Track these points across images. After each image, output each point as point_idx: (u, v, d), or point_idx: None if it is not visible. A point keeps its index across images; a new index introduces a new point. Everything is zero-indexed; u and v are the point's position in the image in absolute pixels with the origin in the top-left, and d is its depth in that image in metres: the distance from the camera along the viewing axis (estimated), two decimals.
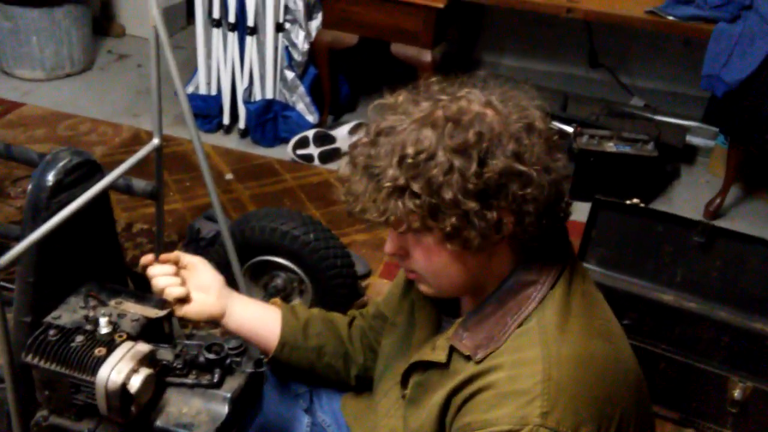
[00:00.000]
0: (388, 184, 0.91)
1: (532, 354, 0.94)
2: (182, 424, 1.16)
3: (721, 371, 1.90)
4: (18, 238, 1.37)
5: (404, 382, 1.14)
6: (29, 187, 1.36)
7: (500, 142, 0.91)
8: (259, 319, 1.29)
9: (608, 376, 0.97)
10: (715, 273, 1.95)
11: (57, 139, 3.05)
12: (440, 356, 1.04)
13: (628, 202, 1.97)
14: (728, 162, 2.81)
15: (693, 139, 3.30)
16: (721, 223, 2.73)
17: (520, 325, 0.98)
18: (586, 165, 2.83)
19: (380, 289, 2.38)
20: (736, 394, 1.86)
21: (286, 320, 1.30)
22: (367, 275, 2.41)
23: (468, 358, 0.99)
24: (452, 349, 1.03)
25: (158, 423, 1.16)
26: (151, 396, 1.16)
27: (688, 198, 3.02)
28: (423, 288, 1.06)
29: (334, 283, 1.94)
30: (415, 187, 0.90)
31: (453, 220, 0.91)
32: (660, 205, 2.90)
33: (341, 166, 1.02)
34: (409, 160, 0.90)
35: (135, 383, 1.11)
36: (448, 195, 0.90)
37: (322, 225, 1.97)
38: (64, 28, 3.46)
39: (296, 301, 2.04)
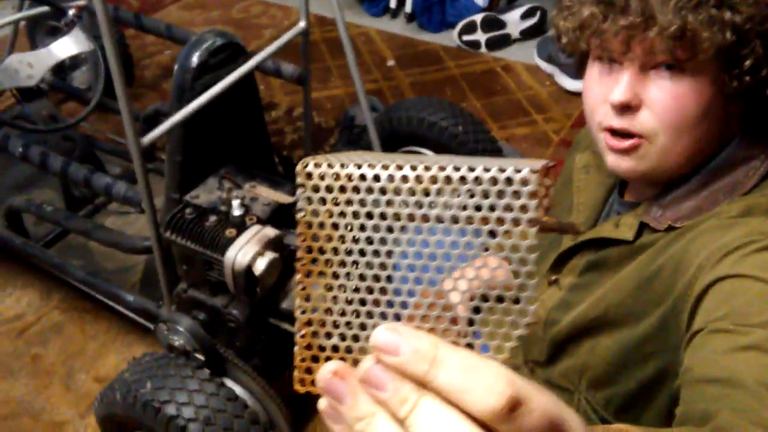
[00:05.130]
0: None
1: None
2: None
3: None
4: None
5: (557, 266, 1.05)
6: (175, 68, 1.39)
7: None
8: None
9: None
10: None
11: (230, 21, 3.14)
12: (626, 233, 0.92)
13: None
14: None
15: None
16: None
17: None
18: None
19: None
20: None
21: None
22: None
23: (667, 230, 0.88)
24: (641, 228, 0.92)
25: (284, 305, 1.21)
26: (278, 279, 1.20)
27: None
28: (632, 164, 0.89)
29: None
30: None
31: (760, 51, 0.80)
32: None
33: None
34: None
35: (260, 265, 1.15)
36: None
37: (473, 117, 1.88)
38: None
39: None
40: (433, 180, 0.36)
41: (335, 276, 0.38)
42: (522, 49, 2.91)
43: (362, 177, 0.37)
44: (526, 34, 2.96)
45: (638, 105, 0.86)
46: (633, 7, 0.80)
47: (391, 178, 0.36)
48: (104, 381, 1.67)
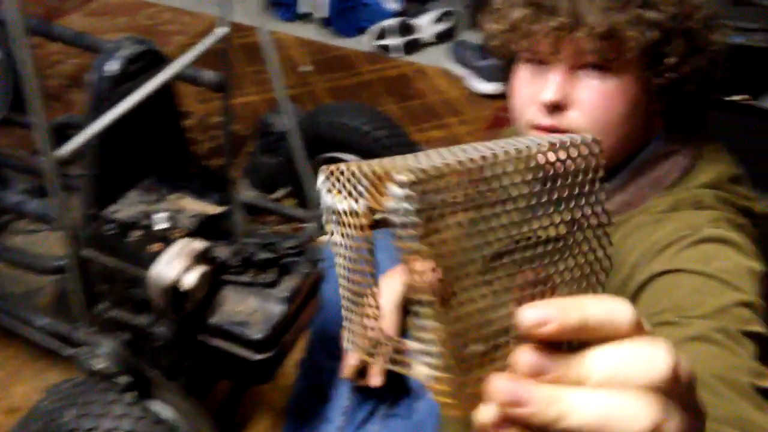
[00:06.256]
0: None
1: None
2: (237, 322, 1.15)
3: None
4: None
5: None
6: (91, 76, 1.33)
7: None
8: None
9: None
10: None
11: (138, 28, 3.03)
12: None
13: (734, 98, 1.78)
14: None
15: None
16: None
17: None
18: None
19: None
20: None
21: None
22: None
23: None
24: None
25: (213, 320, 1.16)
26: (206, 293, 1.16)
27: None
28: None
29: None
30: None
31: (681, 48, 0.83)
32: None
33: None
34: None
35: (188, 280, 1.10)
36: (696, 15, 0.83)
37: (392, 121, 1.88)
38: None
39: None
40: (530, 157, 0.34)
41: (475, 285, 0.34)
42: (435, 53, 2.94)
43: (463, 168, 0.33)
44: (439, 38, 2.99)
45: (568, 104, 0.88)
46: (562, 8, 0.82)
47: (495, 157, 0.33)
48: (16, 412, 1.57)
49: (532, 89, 0.90)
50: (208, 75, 1.69)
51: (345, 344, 0.38)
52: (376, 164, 0.34)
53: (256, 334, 1.15)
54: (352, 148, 1.84)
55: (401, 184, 0.31)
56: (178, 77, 1.49)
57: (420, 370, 0.34)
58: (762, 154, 1.76)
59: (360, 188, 0.34)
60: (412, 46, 2.95)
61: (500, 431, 0.33)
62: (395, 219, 0.31)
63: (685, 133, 0.92)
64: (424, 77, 2.81)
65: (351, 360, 1.24)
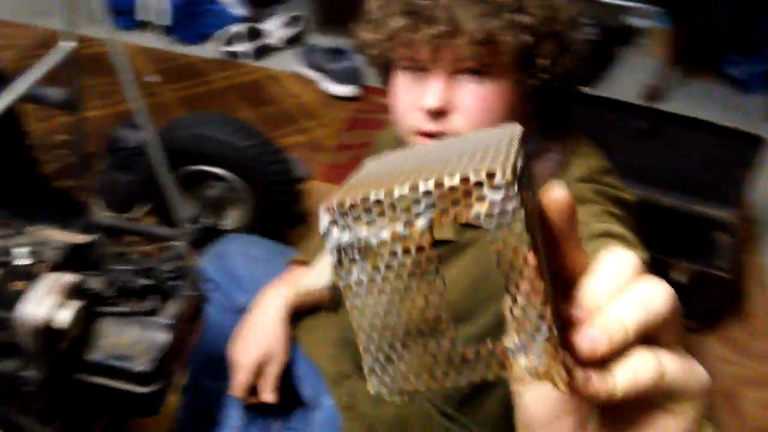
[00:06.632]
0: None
1: None
2: (118, 356, 1.08)
3: (665, 257, 1.91)
4: None
5: None
6: None
7: None
8: None
9: None
10: (658, 159, 1.94)
11: None
12: (447, 233, 0.95)
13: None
14: (670, 44, 2.77)
15: (632, 20, 3.23)
16: (661, 106, 2.70)
17: None
18: None
19: (321, 192, 2.29)
20: (683, 278, 1.88)
21: None
22: (305, 179, 2.31)
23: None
24: (464, 226, 0.94)
25: (92, 357, 1.08)
26: (82, 329, 1.08)
27: (627, 82, 2.97)
28: None
29: (274, 191, 1.85)
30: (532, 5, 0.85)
31: (551, 49, 0.87)
32: (599, 90, 2.85)
33: None
34: None
35: (61, 318, 1.02)
36: (561, 18, 0.87)
37: (257, 129, 1.85)
38: None
39: (233, 212, 1.94)
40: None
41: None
42: (286, 58, 2.91)
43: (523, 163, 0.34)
44: (288, 43, 2.97)
45: (450, 110, 0.90)
46: (440, 17, 0.84)
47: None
48: None
49: (413, 96, 0.91)
50: (55, 93, 1.58)
51: (382, 391, 0.35)
52: (425, 175, 0.32)
53: (140, 366, 1.08)
54: (217, 160, 1.79)
55: (500, 185, 0.31)
56: (23, 98, 1.38)
57: (521, 364, 0.34)
58: (606, 142, 1.89)
59: (419, 209, 0.32)
60: (262, 52, 2.91)
61: (596, 384, 0.34)
62: (491, 223, 0.31)
63: (556, 130, 0.97)
64: (277, 82, 2.78)
65: (241, 377, 1.21)
